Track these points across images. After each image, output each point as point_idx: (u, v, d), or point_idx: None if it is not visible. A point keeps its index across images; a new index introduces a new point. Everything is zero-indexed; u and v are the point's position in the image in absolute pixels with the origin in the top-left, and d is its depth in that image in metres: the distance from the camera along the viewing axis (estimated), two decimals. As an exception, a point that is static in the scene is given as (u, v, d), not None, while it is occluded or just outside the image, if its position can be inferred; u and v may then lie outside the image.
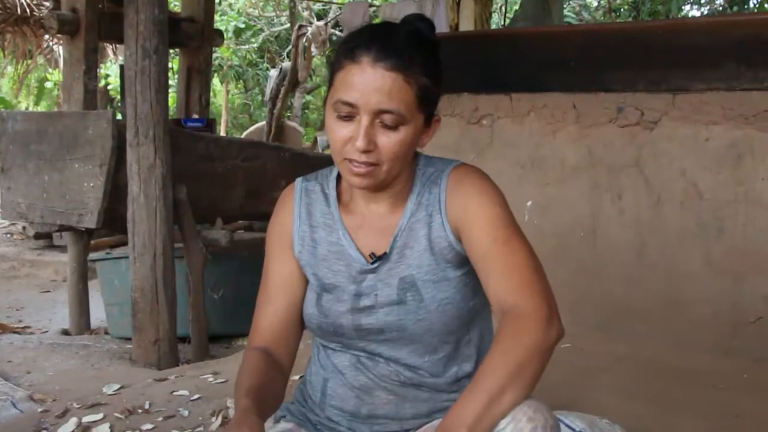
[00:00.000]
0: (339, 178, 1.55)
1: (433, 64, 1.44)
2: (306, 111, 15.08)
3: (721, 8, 12.71)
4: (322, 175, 1.59)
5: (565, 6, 10.86)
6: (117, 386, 3.07)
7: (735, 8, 11.45)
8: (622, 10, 13.05)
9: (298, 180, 1.60)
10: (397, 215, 1.49)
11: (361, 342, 1.49)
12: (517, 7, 8.92)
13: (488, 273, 1.40)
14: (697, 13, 13.07)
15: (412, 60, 1.37)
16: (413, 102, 1.38)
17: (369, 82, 1.35)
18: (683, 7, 12.37)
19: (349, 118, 1.37)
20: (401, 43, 1.38)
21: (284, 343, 1.54)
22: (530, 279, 1.38)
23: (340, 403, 1.52)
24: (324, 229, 1.53)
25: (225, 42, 11.68)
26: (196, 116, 5.78)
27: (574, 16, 13.13)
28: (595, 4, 14.10)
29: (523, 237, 1.44)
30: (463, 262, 1.46)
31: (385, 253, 1.47)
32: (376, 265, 1.47)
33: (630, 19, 12.30)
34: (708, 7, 13.20)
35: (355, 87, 1.36)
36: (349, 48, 1.38)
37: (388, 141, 1.38)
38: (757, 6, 11.48)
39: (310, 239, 1.53)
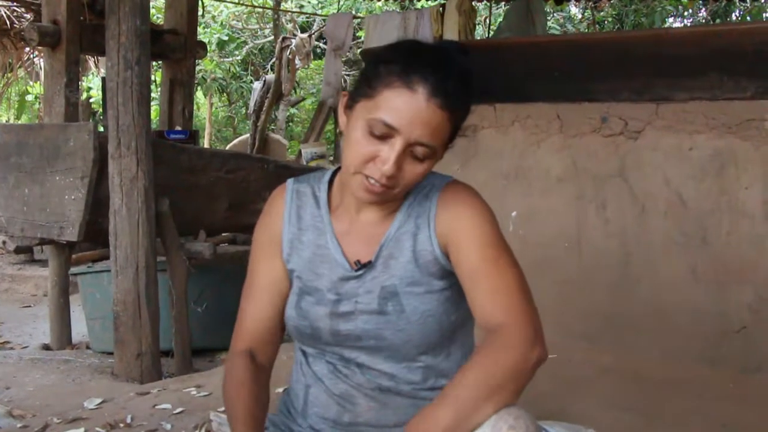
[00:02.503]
0: (331, 182, 1.55)
1: (471, 102, 1.45)
2: (290, 124, 15.07)
3: (704, 20, 12.82)
4: (314, 178, 1.58)
5: (549, 18, 10.93)
6: (98, 400, 3.02)
7: (718, 20, 11.56)
8: (606, 22, 13.13)
9: (290, 181, 1.59)
10: (386, 225, 1.49)
11: (337, 347, 1.48)
12: (501, 18, 8.95)
13: (475, 291, 1.40)
14: (680, 26, 13.17)
15: (460, 101, 1.39)
16: (447, 139, 1.40)
17: (419, 114, 1.33)
18: (667, 20, 12.47)
19: (381, 138, 1.35)
20: (455, 81, 1.37)
21: (268, 343, 1.55)
22: (517, 300, 1.39)
23: (322, 411, 1.51)
24: (313, 231, 1.52)
25: (208, 54, 11.67)
26: (179, 128, 5.75)
27: (558, 28, 13.20)
28: (580, 16, 14.18)
29: (512, 257, 1.45)
30: (447, 276, 1.46)
31: (369, 261, 1.47)
32: (360, 272, 1.47)
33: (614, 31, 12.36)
34: (691, 19, 13.32)
35: (404, 114, 1.33)
36: (405, 71, 1.34)
37: (413, 170, 1.38)
38: (739, 18, 11.59)
39: (298, 241, 1.53)
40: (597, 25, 12.61)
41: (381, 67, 1.37)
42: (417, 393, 1.48)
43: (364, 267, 1.47)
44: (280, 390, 2.37)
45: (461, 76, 1.38)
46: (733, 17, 11.95)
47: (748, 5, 10.87)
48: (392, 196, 1.42)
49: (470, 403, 1.24)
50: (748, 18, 11.10)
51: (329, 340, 1.48)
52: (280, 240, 1.54)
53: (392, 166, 1.34)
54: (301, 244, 1.52)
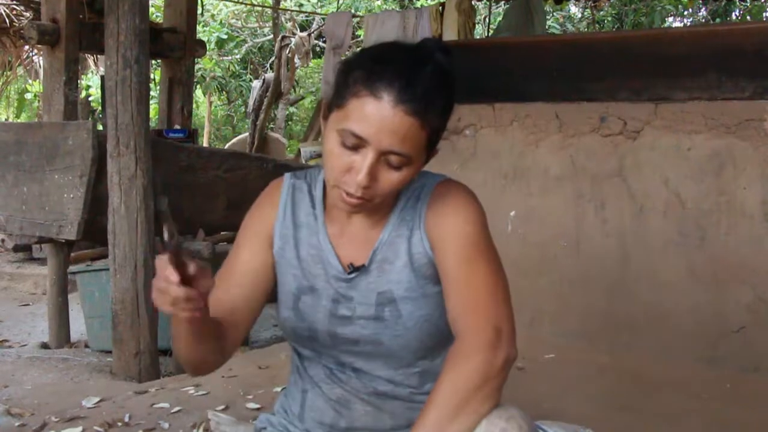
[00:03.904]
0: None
1: (450, 104, 1.38)
2: (289, 122, 15.07)
3: (703, 20, 12.83)
4: (311, 176, 1.55)
5: (548, 17, 10.92)
6: (96, 399, 3.02)
7: (717, 20, 11.56)
8: (605, 21, 13.13)
9: (287, 175, 1.56)
10: (378, 229, 1.46)
11: (333, 350, 1.47)
12: (500, 17, 8.95)
13: (449, 292, 1.38)
14: (680, 25, 13.18)
15: (432, 104, 1.30)
16: (424, 145, 1.32)
17: (386, 121, 1.27)
18: (666, 19, 12.47)
19: (354, 148, 1.30)
20: (425, 85, 1.29)
21: (233, 327, 1.46)
22: (482, 301, 1.35)
23: (318, 416, 1.50)
24: (306, 229, 1.49)
25: (207, 53, 11.66)
26: (178, 127, 5.75)
27: (558, 27, 13.19)
28: (579, 15, 14.18)
29: (491, 258, 1.40)
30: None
31: (363, 265, 1.44)
32: (353, 276, 1.44)
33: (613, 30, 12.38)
34: (691, 19, 13.32)
35: (370, 123, 1.27)
36: (370, 78, 1.28)
37: (389, 179, 1.32)
38: (739, 18, 11.60)
39: (292, 237, 1.49)
40: (596, 25, 12.62)
41: (349, 75, 1.32)
42: (414, 397, 1.47)
43: (357, 270, 1.44)
44: (279, 389, 2.38)
45: (434, 78, 1.31)
46: (733, 17, 11.96)
47: (748, 5, 10.88)
48: (376, 206, 1.38)
49: (444, 421, 1.24)
50: (748, 17, 11.11)
51: (327, 342, 1.46)
52: (270, 233, 1.51)
53: (365, 177, 1.29)
54: (294, 241, 1.49)
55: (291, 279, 1.49)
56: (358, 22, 10.06)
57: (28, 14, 7.66)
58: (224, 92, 15.21)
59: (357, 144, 1.29)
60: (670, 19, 13.23)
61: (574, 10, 13.91)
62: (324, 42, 9.85)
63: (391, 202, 1.45)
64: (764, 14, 10.99)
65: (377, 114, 1.27)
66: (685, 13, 13.27)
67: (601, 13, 12.93)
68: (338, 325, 1.44)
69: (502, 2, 9.18)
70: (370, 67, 1.30)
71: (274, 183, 1.57)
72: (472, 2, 7.02)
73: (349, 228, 1.47)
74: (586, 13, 13.46)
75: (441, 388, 1.27)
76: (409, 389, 1.46)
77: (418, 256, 1.42)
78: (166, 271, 1.20)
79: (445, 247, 1.39)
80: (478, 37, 8.97)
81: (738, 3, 11.09)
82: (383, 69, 1.29)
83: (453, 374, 1.28)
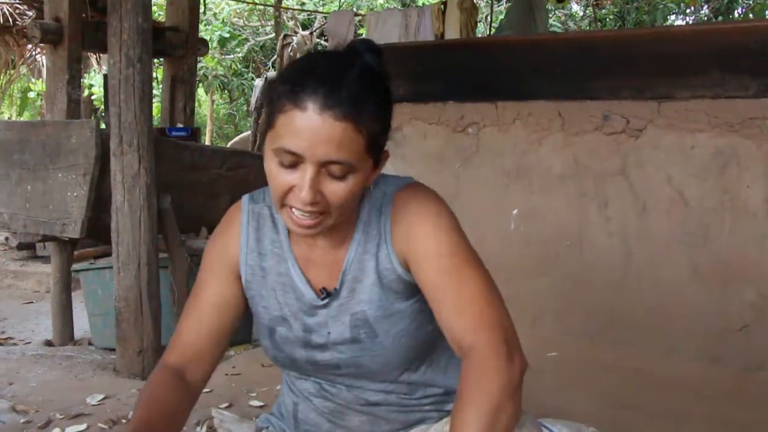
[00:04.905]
0: None
1: (385, 104, 1.31)
2: (292, 121, 15.07)
3: (705, 18, 12.82)
4: (270, 196, 1.37)
5: (550, 15, 10.92)
6: (101, 396, 3.03)
7: (720, 18, 11.55)
8: (607, 19, 13.12)
9: (245, 199, 1.49)
10: (345, 247, 1.39)
11: (318, 375, 1.44)
12: (502, 16, 8.94)
13: (440, 307, 1.31)
14: (682, 23, 13.17)
15: (363, 106, 1.23)
16: (363, 150, 1.24)
17: (316, 131, 1.20)
18: (668, 17, 12.45)
19: (292, 166, 1.23)
20: (352, 87, 1.22)
21: (203, 362, 1.44)
22: (484, 313, 1.29)
23: (313, 428, 1.48)
24: (273, 257, 1.43)
25: (210, 51, 11.66)
26: (180, 125, 5.75)
27: (559, 25, 13.19)
28: (581, 13, 14.17)
29: (475, 263, 1.34)
30: (415, 291, 1.37)
31: (335, 289, 1.38)
32: (326, 301, 1.39)
33: (615, 29, 12.37)
34: (693, 17, 13.31)
35: (301, 136, 1.20)
36: (293, 91, 1.22)
37: (335, 191, 1.25)
38: (741, 16, 11.59)
39: (259, 268, 1.44)
40: (598, 23, 12.61)
41: (274, 92, 1.26)
42: (407, 402, 1.44)
43: (329, 295, 1.38)
44: (279, 387, 2.38)
45: (361, 79, 1.24)
46: (736, 14, 11.95)
47: (751, 2, 10.85)
48: (332, 221, 1.29)
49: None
50: (751, 15, 11.09)
51: (308, 369, 1.43)
52: (236, 264, 1.45)
53: (308, 193, 1.22)
54: (262, 271, 1.43)
55: (263, 311, 1.45)
56: (360, 21, 10.06)
57: (31, 13, 7.68)
58: (226, 91, 15.22)
59: (294, 161, 1.23)
60: (672, 17, 13.21)
61: (575, 8, 13.90)
62: (326, 41, 9.85)
63: (352, 217, 1.37)
64: (767, 12, 10.97)
65: (306, 125, 1.20)
66: (687, 11, 13.26)
67: (603, 11, 12.93)
68: (316, 352, 1.40)
69: (504, 0, 9.17)
70: (293, 79, 1.24)
71: (232, 210, 1.50)
72: (474, 1, 7.02)
73: (315, 251, 1.40)
74: (587, 12, 13.45)
75: (470, 412, 1.20)
76: (402, 397, 1.44)
77: (386, 272, 1.36)
78: None
79: (423, 260, 1.32)
80: (480, 35, 8.97)
81: (740, 0, 11.07)
82: (306, 79, 1.23)
83: (478, 396, 1.21)
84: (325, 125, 1.20)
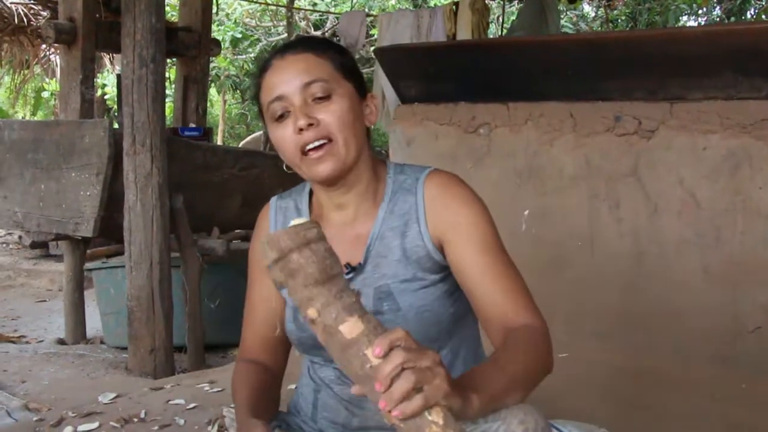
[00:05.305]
0: (312, 193, 1.56)
1: (340, 50, 1.50)
2: (303, 121, 15.08)
3: (717, 19, 12.76)
4: (296, 191, 1.60)
5: (562, 16, 10.90)
6: (113, 395, 3.04)
7: (732, 19, 11.50)
8: (619, 20, 13.08)
9: (273, 199, 1.62)
10: (368, 224, 1.48)
11: None
12: (514, 17, 8.93)
13: (484, 293, 1.39)
14: (694, 24, 13.12)
15: (316, 44, 1.45)
16: (333, 71, 1.43)
17: (285, 70, 1.42)
18: (680, 18, 12.41)
19: (285, 116, 1.41)
20: (304, 39, 1.50)
21: (272, 357, 1.57)
22: (529, 300, 1.41)
23: (331, 415, 1.51)
24: None
25: (222, 52, 11.68)
26: (192, 125, 5.78)
27: (571, 26, 13.16)
28: (593, 14, 14.13)
29: (505, 250, 1.46)
30: (441, 269, 1.45)
31: (359, 264, 1.46)
32: (351, 275, 1.46)
33: (627, 30, 12.34)
34: (705, 18, 13.26)
35: (276, 82, 1.42)
36: (263, 67, 1.47)
37: (328, 111, 1.40)
38: (754, 17, 11.53)
39: None
40: (610, 24, 12.57)
41: (252, 84, 1.48)
42: None
43: (354, 270, 1.46)
44: (292, 387, 2.38)
45: (310, 37, 1.48)
46: (748, 15, 11.89)
47: (764, 3, 10.80)
48: (343, 150, 1.41)
49: (518, 384, 1.26)
50: (763, 16, 11.03)
51: None
52: None
53: (302, 117, 1.38)
54: None
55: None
56: (371, 22, 10.07)
57: (45, 13, 7.71)
58: (238, 91, 15.26)
59: (283, 107, 1.41)
60: (684, 17, 13.17)
61: (587, 9, 13.87)
62: (338, 41, 9.86)
63: (378, 195, 1.49)
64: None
65: (276, 72, 1.43)
66: (699, 12, 13.21)
67: (615, 12, 12.89)
68: None
69: (516, 1, 9.16)
70: (262, 63, 1.50)
71: (263, 211, 1.63)
72: (486, 1, 7.02)
73: (339, 228, 1.49)
74: (599, 12, 13.42)
75: (527, 356, 1.30)
76: None
77: (415, 249, 1.44)
78: None
79: (467, 248, 1.41)
80: (491, 36, 8.96)
81: (753, 2, 11.02)
82: (267, 58, 1.49)
83: (534, 353, 1.31)
84: (289, 61, 1.43)
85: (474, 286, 1.41)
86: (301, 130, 1.39)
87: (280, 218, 1.57)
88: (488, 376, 1.23)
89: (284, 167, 1.51)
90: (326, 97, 1.40)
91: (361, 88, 1.49)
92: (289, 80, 1.40)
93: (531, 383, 1.28)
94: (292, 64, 1.41)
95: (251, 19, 14.12)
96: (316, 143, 1.39)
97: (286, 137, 1.41)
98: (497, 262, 1.41)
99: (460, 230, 1.42)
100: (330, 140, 1.39)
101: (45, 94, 13.94)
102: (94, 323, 5.16)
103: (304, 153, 1.40)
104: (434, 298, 1.44)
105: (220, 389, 3.03)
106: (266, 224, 1.58)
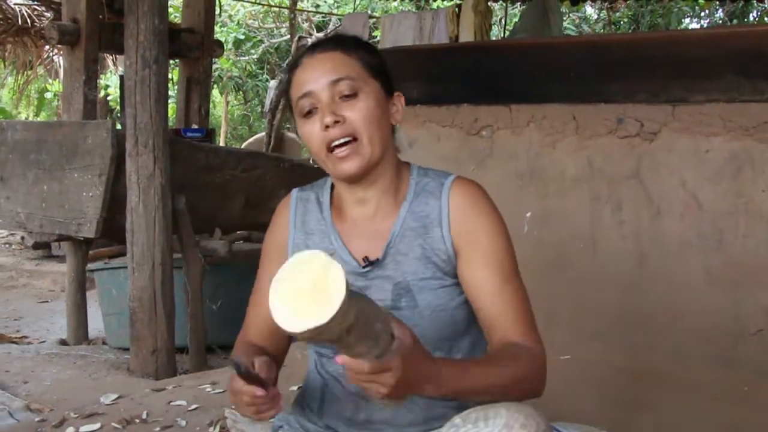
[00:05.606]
0: (333, 186, 1.58)
1: (370, 48, 1.55)
2: (306, 122, 15.07)
3: (720, 21, 12.76)
4: (318, 185, 1.62)
5: (564, 18, 10.90)
6: (114, 396, 3.05)
7: (735, 21, 11.50)
8: (621, 23, 13.08)
9: (294, 190, 1.64)
10: (389, 221, 1.51)
11: None
12: (517, 19, 8.94)
13: (492, 310, 1.43)
14: (696, 26, 13.11)
15: (345, 42, 1.50)
16: (361, 70, 1.47)
17: (314, 68, 1.46)
18: (683, 20, 12.41)
19: (312, 112, 1.45)
20: (334, 38, 1.54)
21: (273, 343, 1.57)
22: (533, 328, 1.45)
23: (338, 409, 1.53)
24: (318, 235, 1.55)
25: (225, 53, 11.69)
26: (195, 127, 5.78)
27: (573, 28, 13.16)
28: (595, 16, 14.13)
29: (518, 271, 1.50)
30: (457, 274, 1.48)
31: (378, 259, 1.48)
32: (368, 269, 1.49)
33: (630, 32, 12.33)
34: (708, 20, 13.25)
35: (305, 79, 1.46)
36: (294, 64, 1.52)
37: (354, 108, 1.44)
38: (756, 20, 11.53)
39: (304, 246, 1.54)
40: (613, 26, 12.57)
41: (284, 81, 1.53)
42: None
43: (371, 264, 1.49)
44: (294, 388, 2.39)
45: (339, 35, 1.54)
46: (751, 18, 11.88)
47: (766, 6, 10.79)
48: (368, 149, 1.44)
49: (498, 379, 1.31)
50: (766, 19, 11.03)
51: None
52: (286, 247, 1.58)
53: (329, 114, 1.42)
54: (307, 248, 1.51)
55: None
56: (374, 23, 10.07)
57: (48, 14, 7.72)
58: (241, 92, 15.27)
59: (311, 103, 1.45)
60: (687, 20, 13.17)
61: (590, 11, 13.86)
62: (341, 42, 9.85)
63: (401, 194, 1.52)
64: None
65: (305, 69, 1.48)
66: (702, 14, 13.20)
67: (618, 14, 12.89)
68: None
69: (519, 3, 9.16)
70: (291, 62, 1.56)
71: (283, 201, 1.65)
72: (489, 3, 7.02)
73: (359, 223, 1.53)
74: (602, 15, 13.41)
75: (514, 363, 1.35)
76: None
77: (437, 252, 1.47)
78: (244, 388, 1.29)
79: (483, 263, 1.45)
80: (494, 38, 8.96)
81: (755, 4, 11.01)
82: (298, 56, 1.54)
83: (526, 369, 1.37)
84: (318, 59, 1.47)
85: (482, 305, 1.45)
86: (327, 126, 1.42)
87: (300, 208, 1.59)
88: (471, 363, 1.31)
89: (310, 161, 1.54)
90: (353, 95, 1.44)
91: (389, 86, 1.53)
92: (317, 78, 1.44)
93: (514, 390, 1.32)
94: (321, 62, 1.46)
95: (254, 20, 14.13)
96: (342, 140, 1.43)
97: (313, 133, 1.45)
98: (509, 285, 1.44)
99: (479, 245, 1.45)
100: (355, 138, 1.43)
101: (48, 95, 13.96)
102: (96, 324, 5.16)
103: (330, 150, 1.44)
104: (451, 299, 1.47)
105: (221, 390, 3.03)
106: (285, 214, 1.61)
